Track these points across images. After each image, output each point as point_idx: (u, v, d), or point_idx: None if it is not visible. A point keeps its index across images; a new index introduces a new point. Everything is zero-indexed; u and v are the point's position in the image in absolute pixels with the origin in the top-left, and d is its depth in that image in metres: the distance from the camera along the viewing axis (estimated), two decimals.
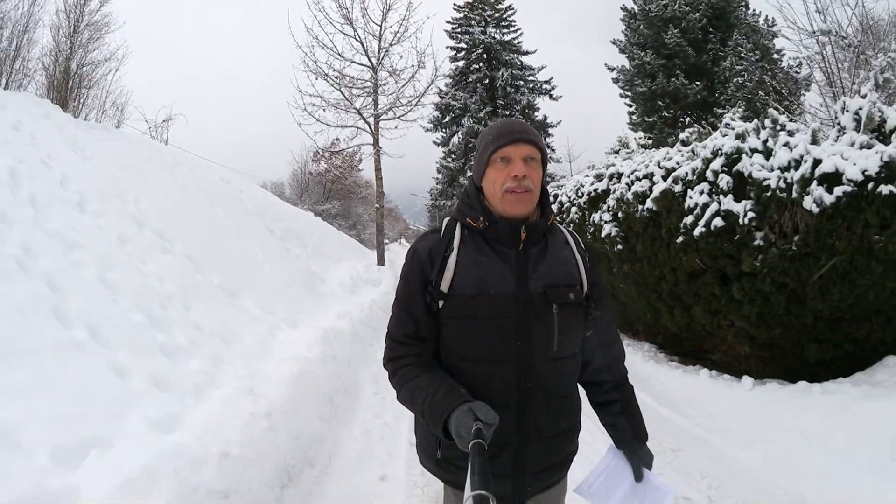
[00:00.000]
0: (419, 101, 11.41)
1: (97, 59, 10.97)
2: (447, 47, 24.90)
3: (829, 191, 3.11)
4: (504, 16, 25.86)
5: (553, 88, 24.35)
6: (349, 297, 8.17)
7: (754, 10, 20.31)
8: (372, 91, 11.29)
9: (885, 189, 3.04)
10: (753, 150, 3.60)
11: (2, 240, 2.94)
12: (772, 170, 3.43)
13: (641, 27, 19.24)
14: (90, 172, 5.13)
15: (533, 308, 1.20)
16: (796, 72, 14.04)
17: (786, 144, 3.40)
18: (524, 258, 1.23)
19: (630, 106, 19.72)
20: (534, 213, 1.26)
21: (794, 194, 3.25)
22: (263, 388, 2.81)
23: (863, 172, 3.07)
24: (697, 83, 17.97)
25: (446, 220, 1.33)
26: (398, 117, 11.35)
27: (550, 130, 23.99)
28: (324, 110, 11.26)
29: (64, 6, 10.62)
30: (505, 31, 25.71)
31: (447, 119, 24.10)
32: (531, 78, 24.71)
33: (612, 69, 20.15)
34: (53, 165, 4.57)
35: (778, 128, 3.65)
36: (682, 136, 7.66)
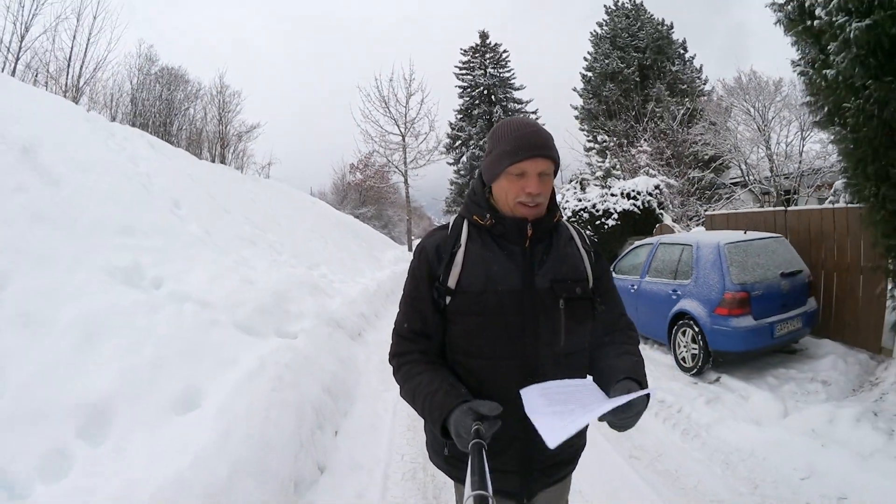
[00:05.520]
0: (431, 156, 19.40)
1: (241, 132, 18.94)
2: (455, 86, 32.37)
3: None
4: (501, 58, 33.11)
5: (538, 119, 31.66)
6: (393, 267, 15.99)
7: (691, 57, 27.10)
8: (402, 150, 19.18)
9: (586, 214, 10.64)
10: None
11: (294, 239, 10.74)
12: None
13: (592, 78, 26.34)
14: (284, 209, 12.96)
15: (540, 303, 1.20)
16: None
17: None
18: (530, 254, 1.23)
19: (587, 136, 26.87)
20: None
21: None
22: (378, 278, 10.62)
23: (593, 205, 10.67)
24: (625, 123, 25.04)
25: (454, 217, 1.35)
26: (419, 166, 19.34)
27: None
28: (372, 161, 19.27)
29: (210, 95, 18.02)
30: (502, 70, 32.95)
31: (457, 144, 31.54)
32: (520, 109, 32.04)
33: (575, 108, 27.37)
34: (277, 210, 12.33)
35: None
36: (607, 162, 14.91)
